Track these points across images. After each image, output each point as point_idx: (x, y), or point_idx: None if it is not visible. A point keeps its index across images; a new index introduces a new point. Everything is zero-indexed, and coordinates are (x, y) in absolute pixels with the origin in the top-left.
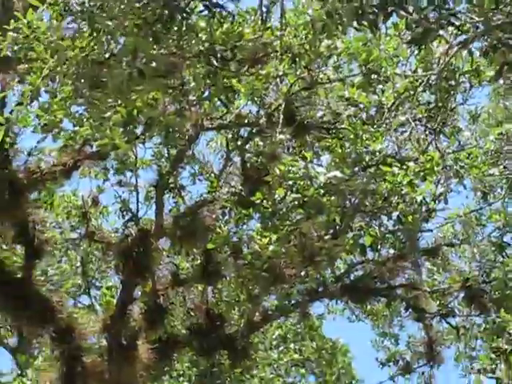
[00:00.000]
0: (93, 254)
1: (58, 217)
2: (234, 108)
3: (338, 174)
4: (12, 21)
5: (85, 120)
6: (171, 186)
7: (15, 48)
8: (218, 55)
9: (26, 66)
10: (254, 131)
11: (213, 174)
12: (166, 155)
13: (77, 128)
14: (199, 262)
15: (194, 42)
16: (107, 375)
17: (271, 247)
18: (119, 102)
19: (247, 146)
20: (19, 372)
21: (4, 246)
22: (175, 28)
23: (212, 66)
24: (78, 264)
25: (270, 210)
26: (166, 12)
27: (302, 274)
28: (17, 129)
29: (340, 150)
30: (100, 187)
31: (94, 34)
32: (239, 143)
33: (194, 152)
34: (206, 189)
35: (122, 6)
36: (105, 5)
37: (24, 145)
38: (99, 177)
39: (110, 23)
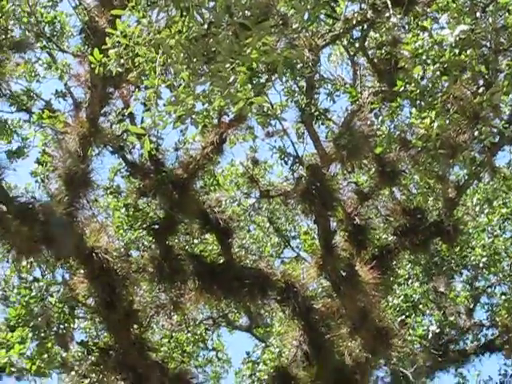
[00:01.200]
0: (276, 210)
1: (228, 192)
2: (338, 16)
3: (462, 27)
4: (107, 38)
5: (212, 94)
6: (315, 114)
7: (122, 61)
8: None
9: (135, 72)
10: (365, 27)
11: (347, 85)
12: (298, 89)
13: (207, 105)
14: (374, 169)
15: None
16: (344, 310)
17: (435, 124)
18: (236, 61)
19: (366, 44)
20: (263, 345)
21: (196, 241)
22: None
23: None
24: (268, 225)
25: (416, 91)
26: None
27: (475, 133)
28: (154, 132)
29: (454, 5)
30: (253, 147)
31: (184, 13)
32: (357, 45)
33: (320, 73)
34: (348, 101)
35: None
36: None
37: (167, 143)
38: (247, 138)
39: None
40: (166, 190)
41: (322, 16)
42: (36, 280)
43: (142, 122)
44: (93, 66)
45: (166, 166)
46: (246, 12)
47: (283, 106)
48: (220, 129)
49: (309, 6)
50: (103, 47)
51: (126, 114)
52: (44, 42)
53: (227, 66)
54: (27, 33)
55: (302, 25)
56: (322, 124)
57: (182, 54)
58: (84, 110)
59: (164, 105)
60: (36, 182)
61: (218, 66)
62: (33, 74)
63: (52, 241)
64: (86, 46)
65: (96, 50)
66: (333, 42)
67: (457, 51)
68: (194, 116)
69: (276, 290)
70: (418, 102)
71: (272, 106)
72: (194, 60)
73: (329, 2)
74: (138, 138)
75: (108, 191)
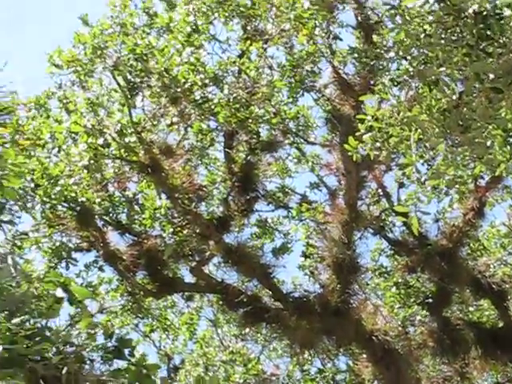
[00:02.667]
0: None
1: (495, 254)
2: None
3: None
4: (359, 124)
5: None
6: None
7: (377, 145)
8: None
9: (386, 152)
10: None
11: None
12: None
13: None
14: None
15: None
16: None
17: None
18: (491, 126)
19: None
20: None
21: (471, 309)
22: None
23: None
24: None
25: None
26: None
27: None
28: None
29: None
30: None
31: (432, 87)
32: None
33: None
34: None
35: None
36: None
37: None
38: (505, 197)
39: (442, 68)
40: (433, 263)
41: None
42: (320, 371)
43: (399, 199)
44: (349, 153)
45: (429, 239)
46: (491, 75)
47: None
48: (478, 193)
49: None
50: (357, 133)
51: (383, 194)
52: (291, 138)
53: (482, 131)
54: (273, 132)
55: None
56: None
57: (436, 128)
58: (341, 196)
59: (424, 180)
60: (305, 274)
61: (475, 133)
62: (285, 171)
63: (331, 330)
64: (333, 135)
65: (351, 138)
66: None
67: None
68: (457, 186)
69: None
70: None
71: None
72: (449, 131)
73: None
74: (398, 215)
75: (376, 272)
